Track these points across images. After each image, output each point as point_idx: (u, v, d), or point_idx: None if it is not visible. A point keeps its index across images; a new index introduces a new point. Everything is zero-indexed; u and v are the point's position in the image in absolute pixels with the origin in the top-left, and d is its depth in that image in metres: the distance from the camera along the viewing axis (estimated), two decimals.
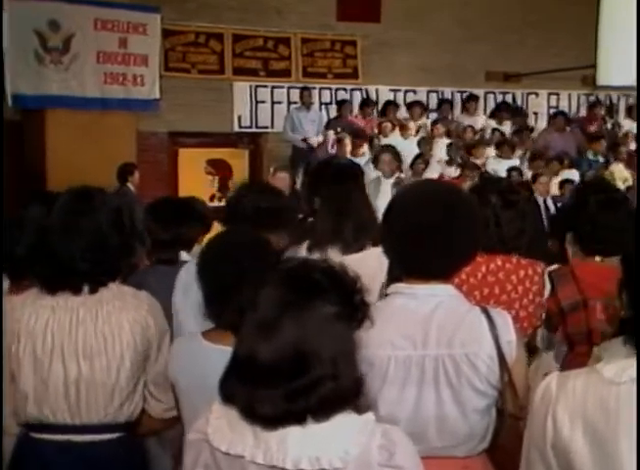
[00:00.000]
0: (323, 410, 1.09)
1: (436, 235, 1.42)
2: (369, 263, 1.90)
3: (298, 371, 1.08)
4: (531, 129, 8.44)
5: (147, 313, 1.71)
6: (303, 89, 7.81)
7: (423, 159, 7.05)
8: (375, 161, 5.07)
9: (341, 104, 8.01)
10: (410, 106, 8.26)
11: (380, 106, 8.40)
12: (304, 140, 7.56)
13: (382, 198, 4.85)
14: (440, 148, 7.61)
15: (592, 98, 8.98)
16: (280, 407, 1.08)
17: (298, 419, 1.09)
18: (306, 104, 7.72)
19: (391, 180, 5.02)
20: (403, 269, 1.49)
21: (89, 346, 1.65)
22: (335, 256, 2.15)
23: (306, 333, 1.08)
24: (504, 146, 7.55)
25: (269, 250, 1.67)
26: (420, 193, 1.50)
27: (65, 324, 1.65)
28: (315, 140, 7.51)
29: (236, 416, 1.11)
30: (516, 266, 2.08)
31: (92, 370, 1.64)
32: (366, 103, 8.19)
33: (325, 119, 7.91)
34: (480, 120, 8.41)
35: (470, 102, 8.51)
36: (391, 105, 8.21)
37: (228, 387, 1.13)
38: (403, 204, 1.49)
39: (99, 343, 1.65)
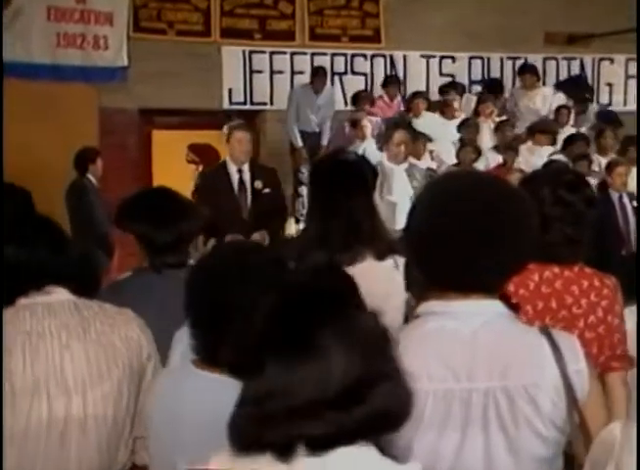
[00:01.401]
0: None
1: (478, 236, 1.41)
2: (375, 278, 1.91)
3: (355, 399, 1.13)
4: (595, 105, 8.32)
5: (140, 331, 1.73)
6: (317, 71, 7.70)
7: (473, 146, 6.91)
8: (384, 140, 4.90)
9: (355, 99, 7.86)
10: (443, 91, 8.11)
11: (409, 73, 8.37)
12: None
13: (396, 190, 4.73)
14: (487, 132, 7.53)
15: None
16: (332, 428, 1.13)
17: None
18: (316, 89, 7.67)
19: (403, 167, 4.85)
20: (435, 282, 1.47)
21: (80, 376, 1.63)
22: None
23: (355, 350, 1.14)
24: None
25: (278, 264, 1.67)
26: (456, 185, 1.49)
27: (46, 351, 1.64)
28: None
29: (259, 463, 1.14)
30: (578, 275, 2.05)
31: (85, 407, 1.62)
32: (391, 80, 8.07)
33: (336, 98, 7.86)
34: (540, 96, 8.29)
35: (526, 74, 8.32)
36: (418, 95, 8.04)
37: (249, 432, 1.15)
38: (434, 198, 1.48)
39: (91, 370, 1.63)
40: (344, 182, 2.39)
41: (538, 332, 1.44)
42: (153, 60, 7.50)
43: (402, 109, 7.86)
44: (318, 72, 7.72)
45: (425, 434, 1.40)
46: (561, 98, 8.29)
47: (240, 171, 5.13)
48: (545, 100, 8.27)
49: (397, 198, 4.67)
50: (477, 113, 7.72)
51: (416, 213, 1.48)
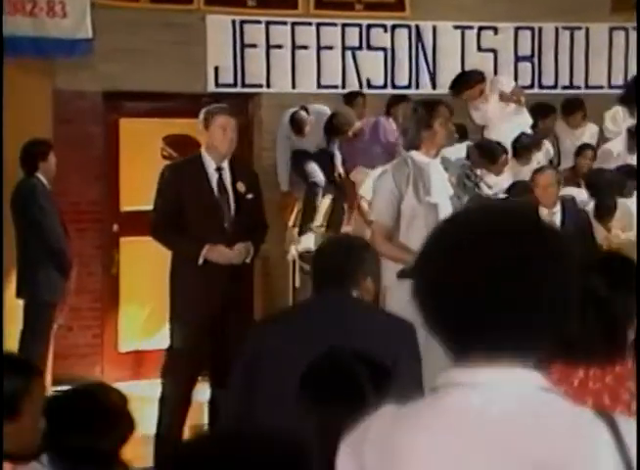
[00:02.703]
0: None
1: (510, 287, 1.41)
2: None
3: None
4: None
5: None
6: (292, 119, 7.63)
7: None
8: (423, 124, 4.65)
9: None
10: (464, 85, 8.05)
11: (439, 49, 8.29)
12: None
13: (435, 188, 4.56)
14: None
15: None
16: None
17: None
18: (297, 129, 7.68)
19: (439, 160, 4.68)
20: (455, 346, 1.47)
21: None
22: None
23: None
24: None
25: None
26: (483, 220, 1.50)
27: None
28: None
29: None
30: (631, 371, 2.13)
31: None
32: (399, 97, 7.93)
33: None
34: (588, 133, 8.28)
35: (575, 112, 8.30)
36: (478, 78, 8.00)
37: None
38: (455, 235, 1.48)
39: None
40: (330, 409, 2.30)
41: (594, 416, 1.40)
42: (121, 32, 7.45)
43: None
44: (297, 115, 7.64)
45: None
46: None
47: (219, 170, 5.03)
48: (593, 137, 8.33)
49: (438, 198, 4.58)
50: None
51: (431, 256, 1.48)
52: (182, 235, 4.95)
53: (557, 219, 5.44)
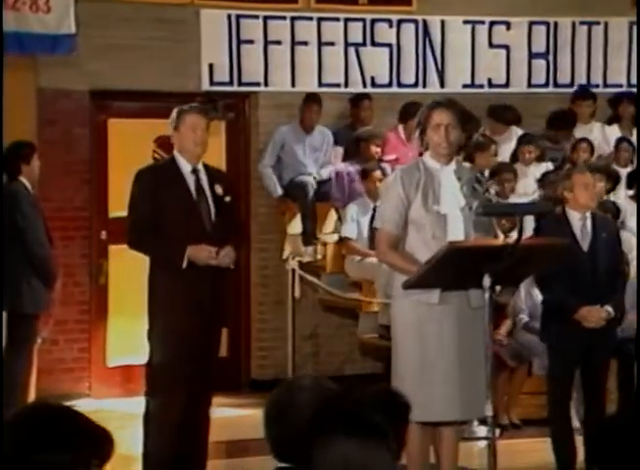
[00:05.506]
0: None
1: None
2: None
3: None
4: None
5: None
6: (308, 98, 7.78)
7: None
8: (422, 127, 4.61)
9: (359, 141, 7.93)
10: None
11: (448, 45, 8.28)
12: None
13: (444, 197, 4.51)
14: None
15: None
16: None
17: None
18: (306, 127, 7.87)
19: (452, 167, 4.63)
20: None
21: None
22: None
23: None
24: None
25: None
26: None
27: None
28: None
29: None
30: None
31: None
32: (411, 110, 7.62)
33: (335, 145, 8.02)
34: (598, 130, 8.35)
35: (586, 100, 8.35)
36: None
37: None
38: None
39: None
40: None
41: None
42: (110, 27, 7.46)
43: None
44: (309, 100, 7.79)
45: None
46: (616, 129, 8.33)
47: (195, 172, 5.07)
48: (598, 133, 8.36)
49: (447, 208, 4.49)
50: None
51: None
52: (162, 240, 4.97)
53: (588, 225, 5.35)
